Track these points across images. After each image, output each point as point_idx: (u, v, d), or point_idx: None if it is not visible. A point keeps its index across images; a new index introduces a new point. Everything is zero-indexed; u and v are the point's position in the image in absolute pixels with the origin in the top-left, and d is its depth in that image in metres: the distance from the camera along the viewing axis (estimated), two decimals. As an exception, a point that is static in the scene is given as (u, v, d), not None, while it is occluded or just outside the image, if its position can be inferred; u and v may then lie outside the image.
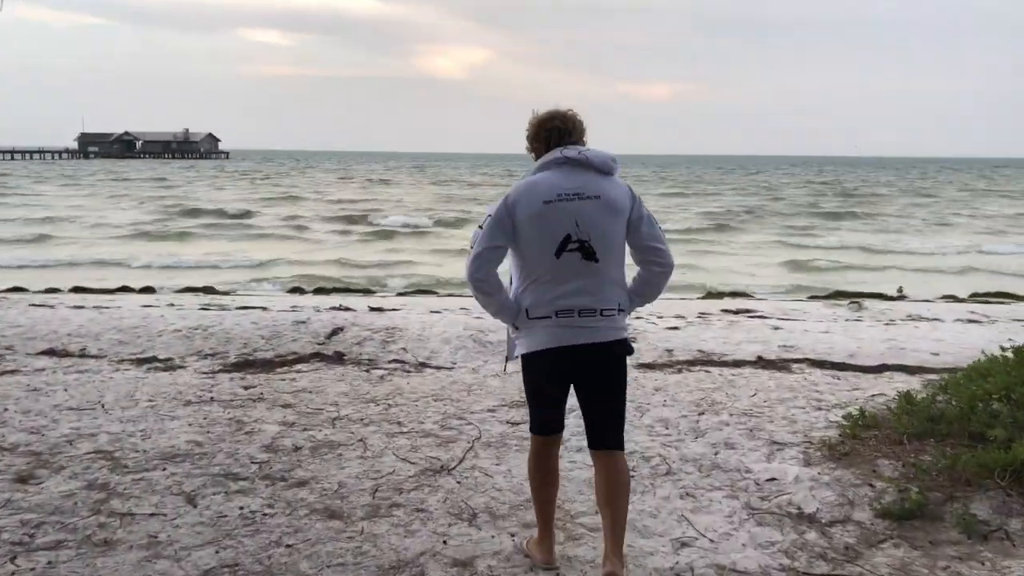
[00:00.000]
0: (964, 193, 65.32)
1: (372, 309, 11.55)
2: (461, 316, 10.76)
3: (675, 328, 10.16)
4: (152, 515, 4.14)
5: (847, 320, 11.85)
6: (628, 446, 5.21)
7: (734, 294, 15.94)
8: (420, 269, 22.97)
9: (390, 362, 7.93)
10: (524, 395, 3.73)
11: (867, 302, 13.98)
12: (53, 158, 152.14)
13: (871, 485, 4.50)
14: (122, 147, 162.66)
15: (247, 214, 40.71)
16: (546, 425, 3.67)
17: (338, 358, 8.07)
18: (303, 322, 9.46)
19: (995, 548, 3.89)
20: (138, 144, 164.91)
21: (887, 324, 11.26)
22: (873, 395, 6.70)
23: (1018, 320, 12.08)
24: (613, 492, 3.54)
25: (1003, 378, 5.29)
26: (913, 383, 7.23)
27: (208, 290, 15.52)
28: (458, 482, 4.67)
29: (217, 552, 3.79)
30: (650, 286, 3.61)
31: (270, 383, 6.98)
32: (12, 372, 7.23)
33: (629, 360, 3.66)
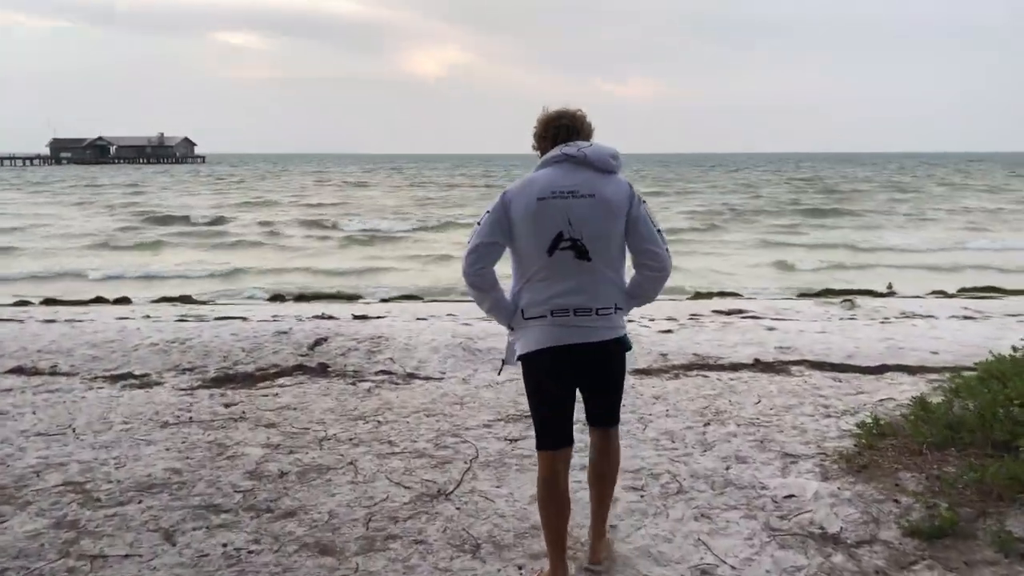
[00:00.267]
0: (943, 188, 65.60)
1: (356, 317, 11.24)
2: (449, 323, 10.48)
3: (668, 331, 9.93)
4: (126, 556, 3.80)
5: (841, 319, 11.67)
6: (635, 462, 4.98)
7: (723, 293, 15.74)
8: (399, 276, 22.54)
9: (377, 373, 7.63)
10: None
11: (859, 300, 13.82)
12: (24, 164, 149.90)
13: (895, 501, 4.24)
14: (95, 152, 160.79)
15: (220, 220, 40.00)
16: (552, 433, 3.50)
17: (322, 370, 7.75)
18: (285, 332, 9.15)
19: (1035, 568, 3.64)
20: (112, 149, 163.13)
21: (883, 322, 11.09)
22: (881, 400, 6.46)
23: (1012, 315, 11.95)
24: (605, 464, 3.71)
25: (1022, 383, 5.06)
26: (919, 385, 7.02)
27: (185, 299, 15.13)
28: (457, 508, 4.36)
29: (198, 596, 3.48)
30: (643, 289, 3.55)
31: (252, 400, 6.65)
32: (-22, 394, 6.85)
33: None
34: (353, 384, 7.18)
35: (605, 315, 3.42)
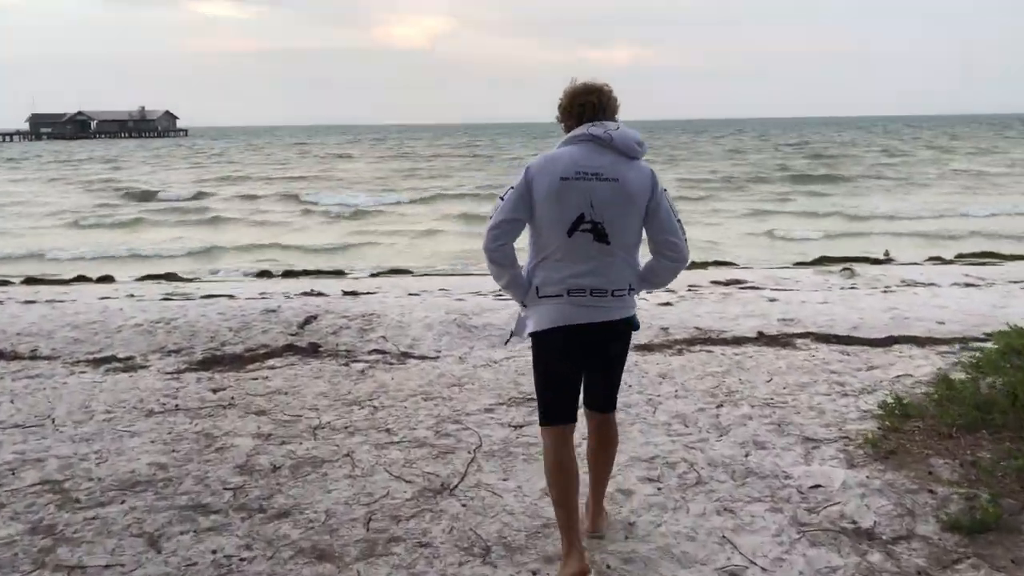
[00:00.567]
0: (931, 151, 65.37)
1: (346, 293, 10.95)
2: (442, 298, 10.19)
3: (668, 304, 9.70)
4: (107, 566, 3.47)
5: (842, 288, 11.47)
6: (648, 449, 4.72)
7: (719, 263, 15.50)
8: (385, 252, 22.08)
9: (370, 352, 7.34)
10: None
11: (858, 267, 13.62)
12: (4, 140, 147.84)
13: (930, 491, 3.98)
14: (76, 127, 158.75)
15: (199, 195, 39.32)
16: (557, 413, 3.49)
17: (313, 350, 7.46)
18: (273, 311, 8.84)
19: (1088, 565, 3.39)
20: (93, 124, 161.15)
21: (884, 291, 10.89)
22: (897, 376, 6.20)
23: (1015, 282, 11.78)
24: (603, 445, 3.74)
25: (1052, 358, 4.82)
26: (931, 358, 6.79)
27: (171, 277, 14.77)
28: (463, 505, 4.06)
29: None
30: (657, 275, 3.58)
31: (241, 384, 6.35)
32: (-48, 382, 6.52)
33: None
34: (346, 365, 6.89)
35: (619, 296, 3.42)
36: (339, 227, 28.18)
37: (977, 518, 3.64)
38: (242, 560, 3.54)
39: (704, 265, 14.98)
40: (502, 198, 3.39)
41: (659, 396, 5.80)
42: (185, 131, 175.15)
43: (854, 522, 3.78)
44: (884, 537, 3.65)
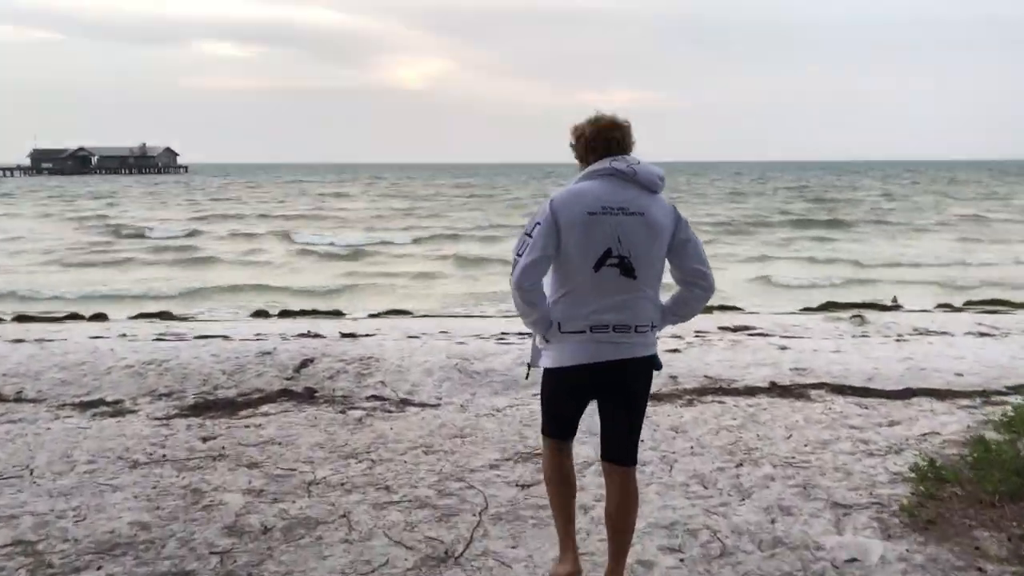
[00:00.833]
0: (931, 196, 65.49)
1: (344, 335, 10.63)
2: (442, 341, 9.90)
3: (675, 350, 9.39)
4: (78, 647, 3.18)
5: (854, 336, 11.17)
6: (667, 514, 4.41)
7: (724, 307, 15.22)
8: (384, 292, 21.75)
9: (368, 399, 7.05)
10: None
11: (868, 314, 13.33)
12: (4, 175, 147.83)
13: (979, 569, 3.66)
14: (77, 163, 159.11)
15: (194, 233, 39.03)
16: (561, 430, 3.63)
17: (309, 396, 7.16)
18: (268, 353, 8.54)
19: None
20: (94, 160, 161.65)
21: (898, 340, 10.59)
22: (924, 434, 5.89)
23: (1031, 332, 11.48)
24: (625, 507, 3.54)
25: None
26: (954, 412, 6.50)
27: (164, 316, 14.45)
28: (469, 576, 3.75)
29: None
30: (688, 307, 3.56)
31: (232, 432, 6.04)
32: (-70, 427, 6.20)
33: None
34: (343, 412, 6.59)
35: (642, 332, 3.39)
36: (335, 267, 27.81)
37: (1033, 601, 3.34)
38: (227, 640, 3.21)
39: (710, 310, 14.70)
40: (529, 234, 3.33)
41: (674, 453, 5.49)
42: (185, 167, 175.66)
43: (897, 603, 3.47)
44: (932, 621, 3.34)
